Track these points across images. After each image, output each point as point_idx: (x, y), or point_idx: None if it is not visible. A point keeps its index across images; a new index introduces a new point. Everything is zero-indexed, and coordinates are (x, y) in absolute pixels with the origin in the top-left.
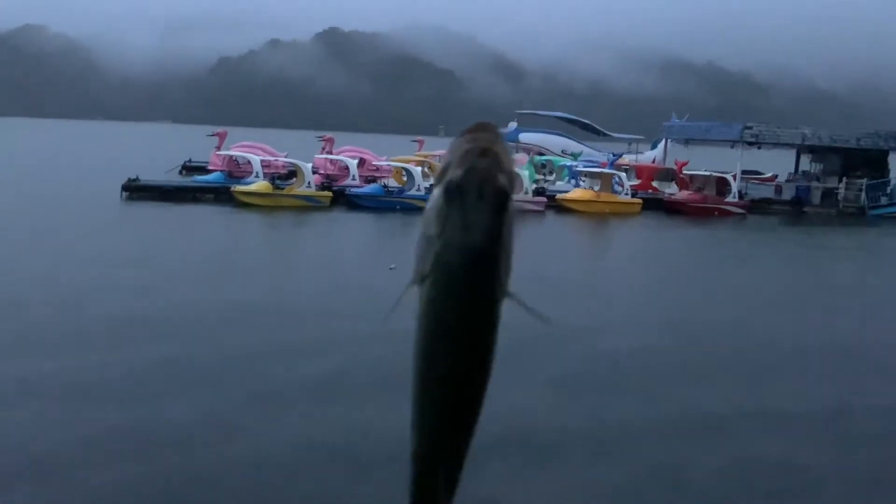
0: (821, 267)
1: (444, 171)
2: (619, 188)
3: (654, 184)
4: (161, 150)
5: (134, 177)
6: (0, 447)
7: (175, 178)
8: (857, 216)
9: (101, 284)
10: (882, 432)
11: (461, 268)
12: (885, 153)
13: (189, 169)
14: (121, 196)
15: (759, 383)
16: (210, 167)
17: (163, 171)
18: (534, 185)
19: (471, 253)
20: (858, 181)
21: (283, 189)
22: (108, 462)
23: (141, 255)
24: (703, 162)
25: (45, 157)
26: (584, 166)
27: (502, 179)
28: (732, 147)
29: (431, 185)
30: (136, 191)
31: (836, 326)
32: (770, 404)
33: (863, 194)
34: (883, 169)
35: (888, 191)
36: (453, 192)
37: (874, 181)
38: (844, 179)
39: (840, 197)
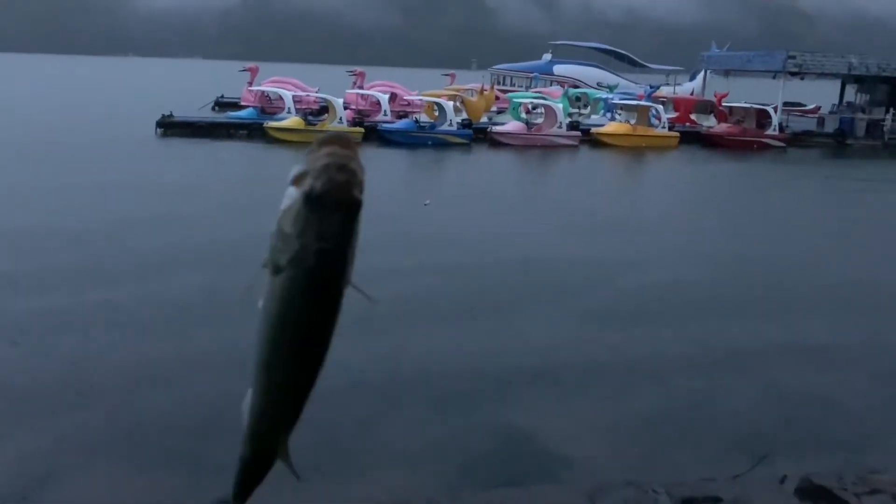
0: (862, 200)
1: (302, 176)
2: (656, 121)
3: (693, 116)
4: (193, 86)
5: (168, 113)
6: (44, 374)
7: (208, 115)
8: None
9: (142, 218)
10: None
11: (316, 268)
12: None
13: (221, 105)
14: (155, 132)
15: (796, 317)
16: (242, 103)
17: (196, 108)
18: (568, 119)
19: (326, 257)
20: None
21: (315, 125)
22: (150, 387)
23: (179, 190)
24: (744, 94)
25: (79, 95)
26: (621, 99)
27: (356, 193)
28: (774, 78)
29: (294, 186)
30: (171, 127)
31: (876, 261)
32: (806, 338)
33: None
34: None
35: None
36: (313, 202)
37: None
38: (892, 110)
39: (886, 129)
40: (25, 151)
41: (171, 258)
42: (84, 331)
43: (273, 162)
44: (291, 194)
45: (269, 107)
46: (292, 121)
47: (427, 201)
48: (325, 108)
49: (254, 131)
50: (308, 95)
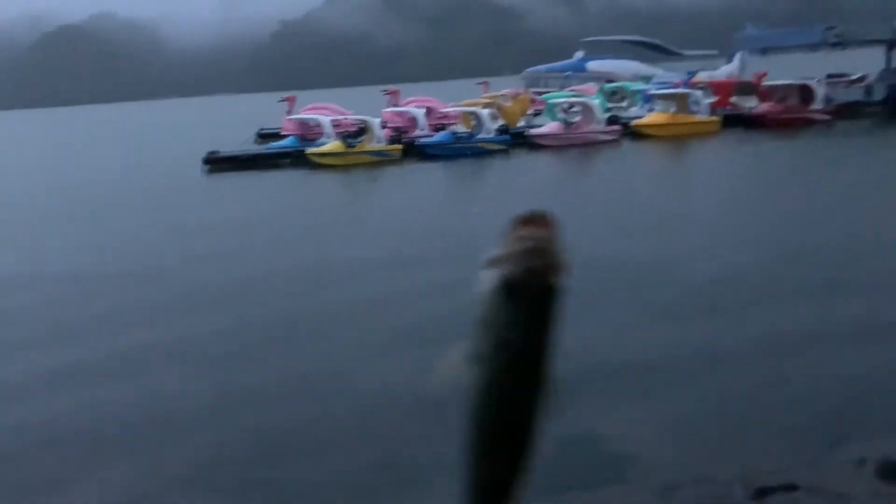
0: None
1: (499, 260)
2: (696, 107)
3: (733, 99)
4: (234, 120)
5: (213, 150)
6: (124, 411)
7: (251, 147)
8: None
9: (203, 254)
10: None
11: (518, 360)
12: None
13: (263, 136)
14: (203, 170)
15: (859, 297)
16: (283, 132)
17: (239, 142)
18: (606, 114)
19: (528, 348)
20: None
21: (354, 147)
22: (228, 417)
23: (233, 224)
24: (784, 71)
25: (128, 141)
26: (658, 89)
27: (552, 278)
28: (814, 51)
29: (491, 269)
30: (217, 163)
31: None
32: (872, 318)
33: None
34: None
35: None
36: (510, 289)
37: None
38: None
39: None
40: (86, 201)
41: (237, 291)
42: (161, 367)
43: (317, 188)
44: (488, 278)
45: (309, 134)
46: (332, 145)
47: (475, 210)
48: (363, 130)
49: (296, 159)
50: (345, 118)
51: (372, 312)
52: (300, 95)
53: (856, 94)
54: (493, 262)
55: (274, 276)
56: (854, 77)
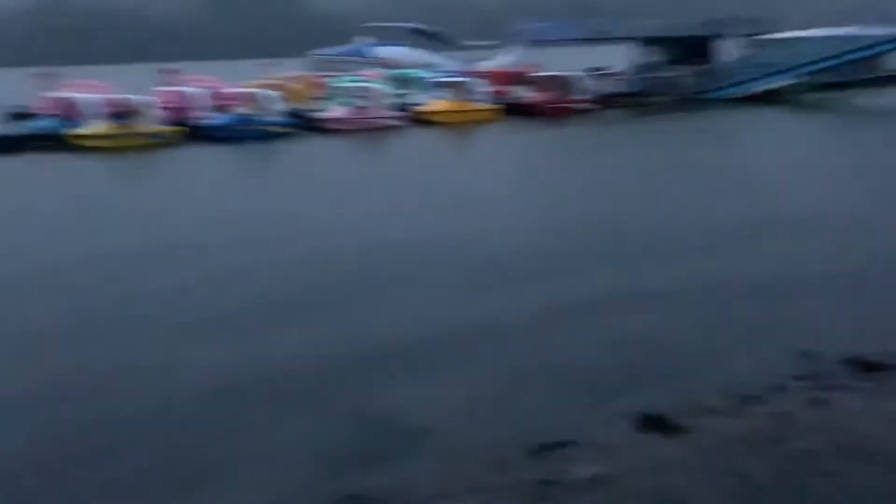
0: (666, 147)
1: None
2: (476, 96)
3: (511, 88)
4: None
5: None
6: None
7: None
8: (697, 102)
9: None
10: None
11: None
12: (706, 39)
13: (16, 116)
14: None
15: (632, 264)
16: (39, 111)
17: None
18: (392, 100)
19: None
20: (692, 68)
21: (125, 128)
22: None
23: None
24: (561, 62)
25: None
26: (440, 77)
27: None
28: (583, 45)
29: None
30: None
31: (692, 205)
32: (645, 283)
33: (698, 80)
34: (706, 55)
35: (718, 75)
36: None
37: (702, 67)
38: (688, 68)
39: (683, 85)
40: None
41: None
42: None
43: (84, 173)
44: None
45: (71, 113)
46: (99, 126)
47: (262, 196)
48: (134, 111)
49: (58, 142)
50: (115, 98)
51: (153, 304)
52: (64, 72)
53: (615, 86)
54: None
55: (42, 272)
56: (612, 71)
